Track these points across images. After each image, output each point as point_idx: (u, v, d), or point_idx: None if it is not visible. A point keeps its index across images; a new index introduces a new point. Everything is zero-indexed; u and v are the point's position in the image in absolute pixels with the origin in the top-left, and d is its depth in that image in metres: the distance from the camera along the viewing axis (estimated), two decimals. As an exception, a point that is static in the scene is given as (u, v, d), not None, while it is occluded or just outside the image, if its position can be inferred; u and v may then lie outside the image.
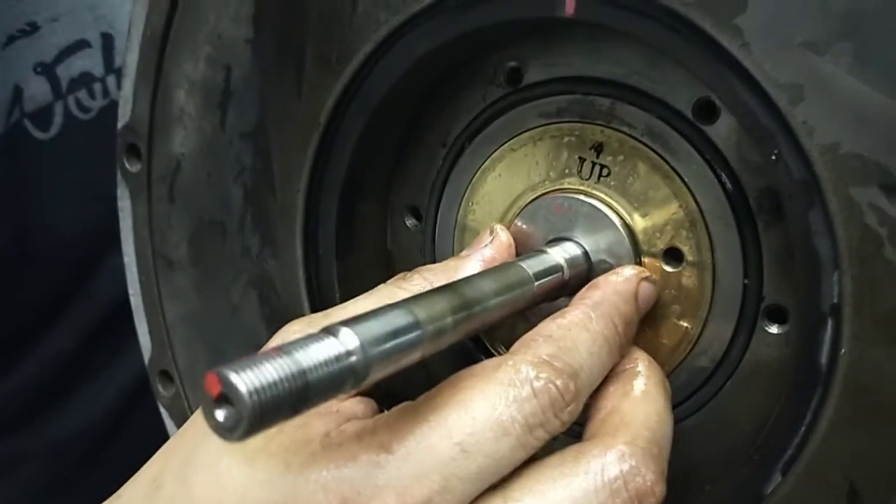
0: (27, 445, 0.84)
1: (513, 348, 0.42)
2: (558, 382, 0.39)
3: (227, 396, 0.31)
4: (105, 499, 0.61)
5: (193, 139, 0.59)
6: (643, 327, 0.48)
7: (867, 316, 0.38)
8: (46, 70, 0.78)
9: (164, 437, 0.66)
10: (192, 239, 0.61)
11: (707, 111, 0.46)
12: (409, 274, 0.47)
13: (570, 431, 0.41)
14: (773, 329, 0.46)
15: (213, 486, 0.40)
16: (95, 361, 0.84)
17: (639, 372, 0.44)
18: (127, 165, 0.64)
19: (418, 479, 0.37)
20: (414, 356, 0.38)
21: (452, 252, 0.56)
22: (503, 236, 0.50)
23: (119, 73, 0.80)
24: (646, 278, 0.47)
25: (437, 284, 0.45)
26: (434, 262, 0.57)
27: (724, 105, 0.44)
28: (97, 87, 0.81)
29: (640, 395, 0.43)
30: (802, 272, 0.41)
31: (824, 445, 0.40)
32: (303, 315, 0.57)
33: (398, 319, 0.37)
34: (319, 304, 0.57)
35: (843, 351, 0.39)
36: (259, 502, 0.38)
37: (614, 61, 0.49)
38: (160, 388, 0.66)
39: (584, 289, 0.46)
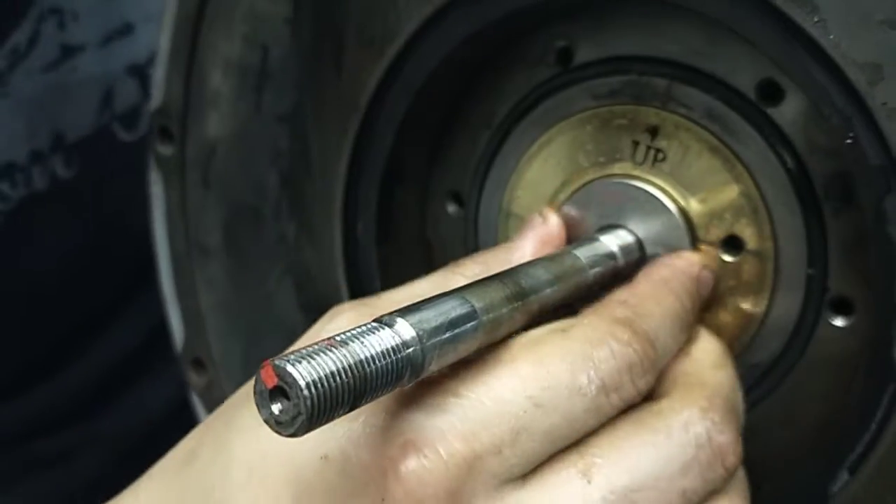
0: (84, 437, 0.84)
1: (586, 310, 0.40)
2: (637, 346, 0.37)
3: (283, 389, 0.30)
4: None
5: (229, 122, 0.58)
6: (705, 320, 0.46)
7: (950, 309, 0.36)
8: (138, 71, 0.77)
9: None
10: (226, 225, 0.59)
11: (772, 92, 0.44)
12: (462, 260, 0.45)
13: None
14: (839, 321, 0.44)
15: (252, 450, 0.38)
16: (155, 358, 0.83)
17: (704, 342, 0.43)
18: (159, 149, 0.62)
19: (486, 426, 0.35)
20: (471, 346, 0.36)
21: (496, 241, 0.54)
22: (553, 220, 0.48)
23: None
24: (705, 266, 0.45)
25: (492, 270, 0.43)
26: (476, 250, 0.56)
27: (794, 85, 0.42)
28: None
29: (711, 362, 0.42)
30: (875, 262, 0.39)
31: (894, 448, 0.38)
32: (342, 300, 0.56)
33: (454, 309, 0.36)
34: (359, 292, 0.55)
35: (921, 346, 0.37)
36: (308, 454, 0.36)
37: (671, 39, 0.46)
38: (193, 376, 0.65)
39: (647, 266, 0.44)
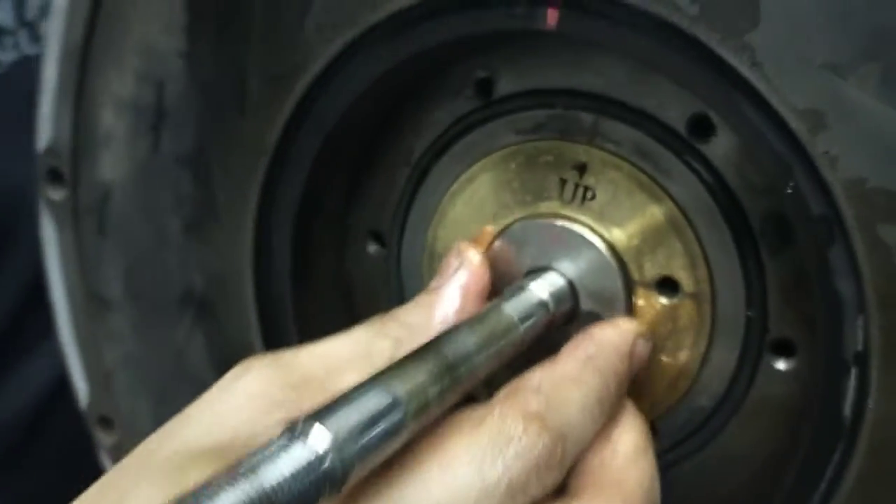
0: None
1: (498, 396, 0.37)
2: (547, 442, 0.35)
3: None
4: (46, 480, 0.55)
5: (124, 165, 0.53)
6: (642, 365, 0.44)
7: (898, 366, 0.34)
8: None
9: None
10: (127, 275, 0.55)
11: (703, 127, 0.42)
12: (383, 318, 0.42)
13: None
14: (781, 364, 0.43)
15: None
16: (29, 333, 0.77)
17: (627, 425, 0.40)
18: (50, 193, 0.57)
19: None
20: (399, 441, 0.33)
21: (422, 282, 0.51)
22: (473, 257, 0.44)
23: (31, 28, 0.74)
24: (642, 334, 0.42)
25: (415, 332, 0.39)
26: (400, 291, 0.52)
27: (729, 126, 0.39)
28: (8, 40, 0.74)
29: (631, 452, 0.39)
30: (822, 315, 0.37)
31: (851, 501, 0.36)
32: (255, 352, 0.52)
33: (375, 400, 0.32)
34: (275, 346, 0.51)
35: (870, 404, 0.35)
36: None
37: (596, 72, 0.44)
38: (101, 435, 0.60)
39: (577, 338, 0.41)
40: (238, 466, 0.28)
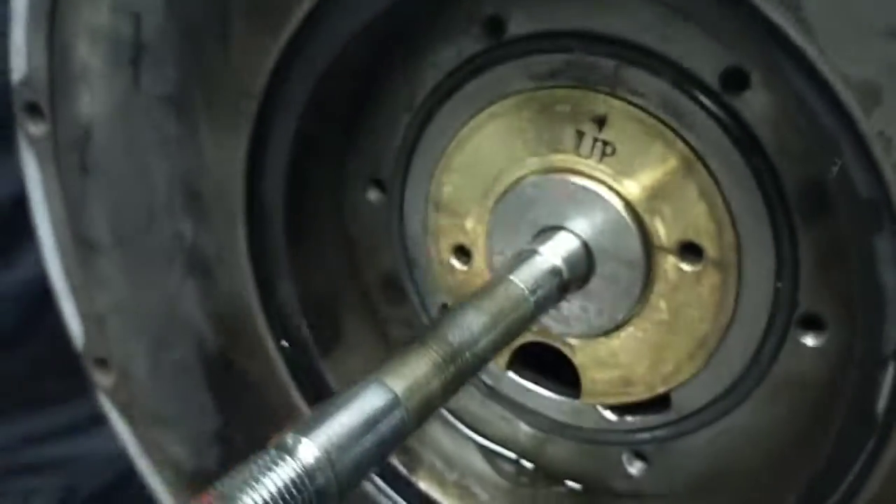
0: None
1: None
2: None
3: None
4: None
5: (103, 100, 0.49)
6: (657, 333, 0.41)
7: (944, 369, 0.31)
8: None
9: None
10: (113, 218, 0.52)
11: (737, 80, 0.37)
12: None
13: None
14: (809, 340, 0.39)
15: None
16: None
17: None
18: (30, 127, 0.53)
19: None
20: (398, 442, 0.30)
21: (425, 231, 0.48)
22: None
23: None
24: None
25: None
26: (403, 241, 0.49)
27: (769, 89, 0.35)
28: None
29: None
30: (861, 302, 0.33)
31: (879, 497, 0.34)
32: (251, 314, 0.49)
33: (371, 400, 0.30)
34: (270, 298, 0.48)
35: (908, 402, 0.32)
36: None
37: (620, 13, 0.39)
38: (99, 375, 0.59)
39: None
40: (219, 491, 0.26)
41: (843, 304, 0.38)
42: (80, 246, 0.54)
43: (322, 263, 0.49)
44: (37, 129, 0.53)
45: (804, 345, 0.40)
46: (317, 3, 0.41)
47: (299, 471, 0.26)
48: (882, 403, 0.33)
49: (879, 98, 0.29)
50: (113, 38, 0.47)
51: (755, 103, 0.37)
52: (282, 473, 0.26)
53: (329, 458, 0.27)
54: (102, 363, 0.58)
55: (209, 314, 0.51)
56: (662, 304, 0.42)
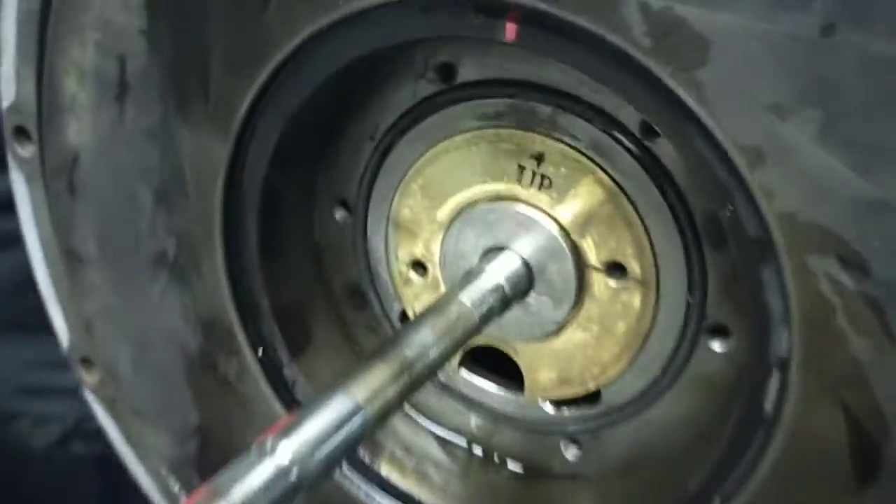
0: None
1: None
2: None
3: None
4: None
5: (90, 132, 0.53)
6: (589, 339, 0.48)
7: (815, 376, 0.38)
8: None
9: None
10: (100, 236, 0.56)
11: (653, 129, 0.43)
12: None
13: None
14: (716, 346, 0.46)
15: None
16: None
17: None
18: (18, 149, 0.57)
19: None
20: (358, 442, 0.36)
21: (385, 247, 0.54)
22: None
23: None
24: None
25: None
26: (366, 256, 0.55)
27: (675, 148, 0.41)
28: None
29: None
30: (753, 321, 0.40)
31: (766, 485, 0.41)
32: (229, 321, 0.55)
33: (337, 408, 0.36)
34: (246, 305, 0.54)
35: (789, 403, 0.39)
36: None
37: (557, 68, 0.45)
38: (84, 374, 0.63)
39: None
40: (214, 490, 0.31)
41: (744, 316, 0.45)
42: (67, 258, 0.59)
43: (293, 275, 0.55)
44: (24, 151, 0.58)
45: (712, 350, 0.46)
46: (287, 56, 0.45)
47: (277, 469, 0.32)
48: (769, 404, 0.40)
49: (763, 158, 0.36)
50: (99, 77, 0.51)
51: (668, 149, 0.43)
52: (262, 471, 0.32)
53: (301, 458, 0.33)
54: (87, 362, 0.63)
55: (189, 321, 0.56)
56: (593, 315, 0.48)
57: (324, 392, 0.36)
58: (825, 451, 0.39)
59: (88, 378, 0.64)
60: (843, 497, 0.39)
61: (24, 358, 0.79)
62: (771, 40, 0.34)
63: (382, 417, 0.37)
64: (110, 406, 0.64)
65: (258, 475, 0.32)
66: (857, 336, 0.36)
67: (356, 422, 0.36)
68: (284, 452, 0.33)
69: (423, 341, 0.41)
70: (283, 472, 0.32)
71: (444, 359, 0.42)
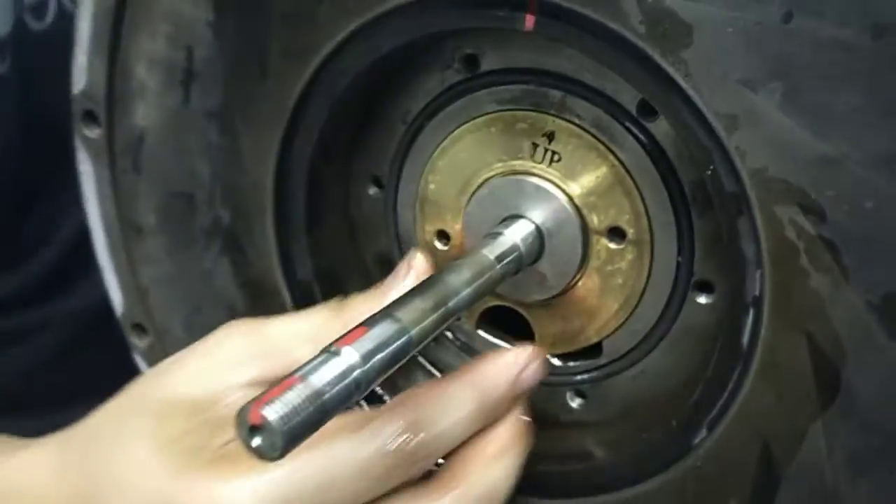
0: (42, 317, 0.90)
1: (388, 404, 0.48)
2: (415, 442, 0.46)
3: (262, 427, 0.37)
4: (108, 368, 0.67)
5: (156, 114, 0.61)
6: (591, 297, 0.55)
7: (783, 310, 0.45)
8: None
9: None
10: (160, 208, 0.64)
11: (649, 109, 0.51)
12: (340, 305, 0.52)
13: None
14: (702, 300, 0.53)
15: (123, 467, 0.46)
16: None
17: (499, 430, 0.50)
18: (85, 131, 0.65)
19: (283, 501, 0.43)
20: (404, 357, 0.43)
21: (414, 220, 0.61)
22: (420, 265, 0.53)
23: None
24: (534, 361, 0.51)
25: (364, 315, 0.45)
26: (396, 228, 0.62)
27: (667, 119, 0.49)
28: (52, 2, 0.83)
29: (491, 452, 0.49)
30: (729, 260, 0.48)
31: (743, 408, 0.48)
32: (275, 283, 0.62)
33: (388, 328, 0.43)
34: (292, 274, 0.61)
35: (761, 335, 0.46)
36: (150, 491, 0.45)
37: (567, 58, 0.52)
38: (135, 339, 0.70)
39: (472, 361, 0.51)
40: (297, 375, 0.38)
41: (725, 272, 0.52)
42: (127, 230, 0.66)
43: (331, 244, 0.62)
44: (91, 133, 0.65)
45: (699, 303, 0.54)
46: (336, 46, 0.53)
47: (345, 366, 0.39)
48: (745, 339, 0.47)
49: (737, 124, 0.43)
50: (168, 65, 0.59)
51: (661, 127, 0.51)
52: (333, 367, 0.39)
53: (361, 362, 0.40)
54: (139, 328, 0.70)
55: (239, 285, 0.63)
56: (595, 274, 0.55)
57: (377, 315, 0.43)
58: (793, 376, 0.46)
59: (139, 343, 0.71)
60: (809, 417, 0.46)
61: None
62: (742, 26, 0.42)
63: (420, 341, 0.44)
64: (159, 368, 0.71)
65: (330, 370, 0.39)
66: (817, 273, 0.44)
67: (403, 340, 0.43)
68: (349, 356, 0.40)
69: (456, 284, 0.48)
70: (349, 370, 0.39)
71: (471, 301, 0.49)
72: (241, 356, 0.48)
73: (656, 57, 0.44)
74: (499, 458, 0.49)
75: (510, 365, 0.50)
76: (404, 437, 0.45)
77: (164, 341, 0.69)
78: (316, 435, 0.38)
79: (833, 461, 0.46)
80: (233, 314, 0.64)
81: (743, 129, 0.43)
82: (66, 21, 0.86)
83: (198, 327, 0.66)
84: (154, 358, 0.71)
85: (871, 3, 0.39)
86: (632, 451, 0.54)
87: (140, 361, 0.72)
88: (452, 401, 0.48)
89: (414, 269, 0.53)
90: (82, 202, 0.68)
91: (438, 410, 0.47)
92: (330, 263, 0.62)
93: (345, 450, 0.44)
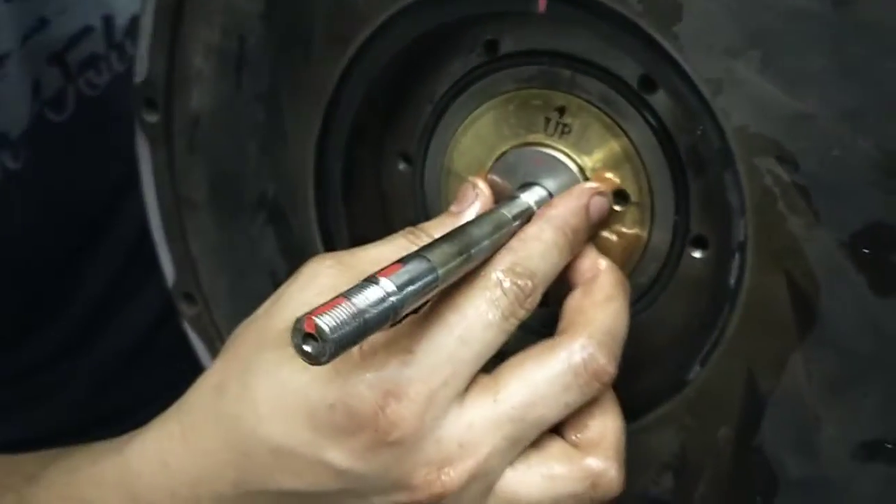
0: (75, 367, 0.95)
1: (488, 263, 0.55)
2: (519, 282, 0.53)
3: (314, 335, 0.43)
4: (140, 406, 0.72)
5: (210, 98, 0.69)
6: (601, 252, 0.62)
7: (764, 252, 0.52)
8: (58, 59, 0.86)
9: (187, 349, 0.77)
10: (212, 183, 0.71)
11: (649, 84, 0.58)
12: (415, 230, 0.58)
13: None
14: (697, 254, 0.60)
15: (275, 388, 0.50)
16: (127, 291, 0.95)
17: (601, 278, 0.57)
18: (145, 116, 0.72)
19: (436, 368, 0.50)
20: (433, 292, 0.50)
21: (439, 192, 0.68)
22: (484, 189, 0.60)
23: (120, 49, 0.88)
24: (599, 193, 0.59)
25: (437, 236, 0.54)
26: (423, 200, 0.69)
27: (663, 90, 0.56)
28: (102, 64, 0.89)
29: (602, 297, 0.55)
30: (719, 216, 0.54)
31: (731, 344, 0.54)
32: (315, 249, 0.69)
33: (420, 266, 0.49)
34: (328, 239, 0.68)
35: (746, 276, 0.53)
36: (318, 399, 0.49)
37: (576, 38, 0.60)
38: (184, 308, 0.78)
39: (543, 205, 0.58)
40: (344, 296, 0.45)
41: (717, 228, 0.59)
42: (181, 204, 0.74)
43: (365, 213, 0.69)
44: (151, 118, 0.73)
45: (695, 257, 0.60)
46: (372, 32, 0.61)
47: (383, 293, 0.46)
48: (732, 280, 0.54)
49: (721, 88, 0.50)
50: (222, 53, 0.67)
51: (659, 98, 0.58)
52: (375, 292, 0.46)
53: (399, 291, 0.47)
54: (189, 297, 0.77)
55: (281, 251, 0.70)
56: (603, 233, 0.62)
57: (411, 254, 0.50)
58: (774, 310, 0.52)
59: (188, 311, 0.78)
60: (789, 347, 0.52)
61: None
62: (724, 1, 0.49)
63: (446, 279, 0.51)
64: (204, 334, 0.78)
65: (371, 294, 0.45)
66: (792, 216, 0.50)
67: (431, 277, 0.49)
68: (387, 285, 0.47)
69: (477, 235, 0.55)
70: (386, 296, 0.46)
71: (490, 251, 0.56)
72: (337, 284, 0.52)
73: (652, 32, 0.51)
74: (609, 300, 0.55)
75: (580, 195, 0.58)
76: (508, 277, 0.52)
77: (209, 308, 0.76)
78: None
79: (812, 387, 0.53)
80: (274, 278, 0.71)
81: (727, 93, 0.50)
82: (86, 110, 0.90)
83: (241, 292, 0.73)
84: (202, 325, 0.78)
85: (832, -21, 0.46)
86: (632, 390, 0.60)
87: (188, 329, 0.79)
88: (543, 240, 0.55)
89: (481, 194, 0.60)
90: (140, 183, 0.75)
91: (531, 250, 0.54)
92: (363, 231, 0.69)
93: (472, 312, 0.51)
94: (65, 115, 0.88)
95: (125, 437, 0.58)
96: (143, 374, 0.96)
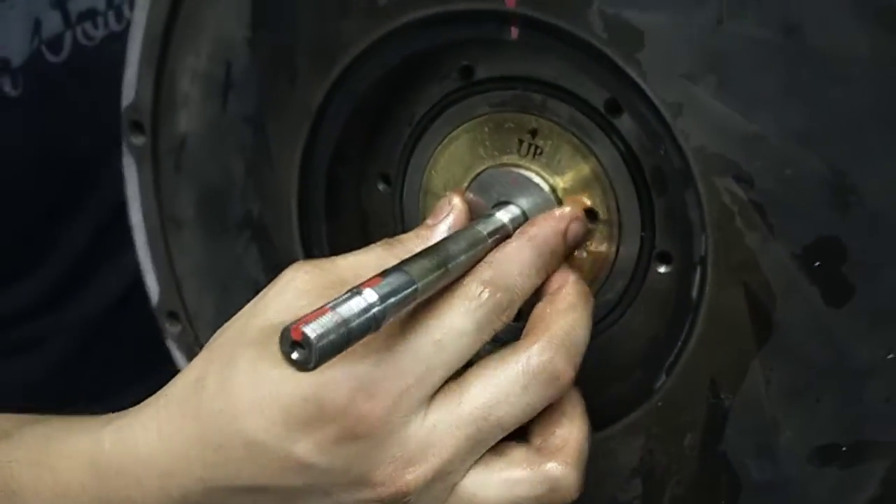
0: (54, 324, 0.97)
1: (466, 276, 0.58)
2: (497, 295, 0.55)
3: (301, 343, 0.46)
4: (119, 369, 0.73)
5: (197, 120, 0.71)
6: (572, 267, 0.65)
7: (723, 266, 0.55)
8: (60, 5, 0.93)
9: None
10: (198, 202, 0.73)
11: (615, 108, 0.61)
12: (391, 241, 0.61)
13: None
14: (662, 269, 0.63)
15: (251, 385, 0.52)
16: (109, 249, 0.97)
17: (565, 288, 0.59)
18: (132, 139, 0.75)
19: (408, 369, 0.52)
20: (412, 304, 0.53)
21: (418, 211, 0.71)
22: (458, 204, 0.63)
23: (117, 10, 0.94)
24: (577, 218, 0.62)
25: (415, 250, 0.57)
26: (402, 218, 0.72)
27: (628, 113, 0.59)
28: (100, 20, 0.95)
29: (564, 306, 0.58)
30: (682, 232, 0.57)
31: (694, 354, 0.57)
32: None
33: (400, 278, 0.52)
34: (311, 256, 0.70)
35: (707, 289, 0.56)
36: (294, 393, 0.51)
37: (546, 66, 0.63)
38: (167, 326, 0.79)
39: (525, 224, 0.61)
40: (329, 307, 0.48)
41: (680, 244, 0.62)
42: (167, 224, 0.76)
43: (346, 232, 0.72)
44: (137, 140, 0.75)
45: (660, 272, 0.63)
46: (354, 58, 0.64)
47: (365, 304, 0.48)
48: (694, 293, 0.57)
49: (681, 111, 0.53)
50: (209, 78, 0.70)
51: (625, 121, 0.61)
52: (357, 303, 0.48)
53: (379, 302, 0.49)
54: (173, 315, 0.79)
55: (265, 269, 0.73)
56: (572, 251, 0.65)
57: (391, 268, 0.53)
58: (734, 321, 0.55)
59: (172, 329, 0.80)
60: (748, 355, 0.55)
61: None
62: (684, 30, 0.52)
63: (424, 292, 0.54)
64: (189, 351, 0.80)
65: (355, 304, 0.48)
66: (749, 231, 0.53)
67: (411, 289, 0.52)
68: (370, 296, 0.49)
69: (454, 251, 0.57)
70: (369, 306, 0.48)
71: (466, 266, 0.58)
72: (314, 289, 0.55)
73: (617, 59, 0.55)
74: (571, 309, 0.57)
75: (558, 220, 0.60)
76: (487, 289, 0.55)
77: (194, 325, 0.78)
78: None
79: (770, 394, 0.55)
80: (257, 292, 0.73)
81: (686, 115, 0.53)
82: (81, 57, 0.95)
83: (225, 309, 0.75)
84: (185, 342, 0.80)
85: (783, 7, 0.49)
86: (602, 400, 0.63)
87: (172, 346, 0.80)
88: (521, 258, 0.57)
89: (455, 208, 0.62)
90: (125, 200, 0.77)
91: (511, 266, 0.56)
92: (344, 249, 0.70)
93: (451, 320, 0.54)
94: (61, 57, 0.93)
95: (104, 418, 0.59)
96: (127, 330, 0.97)
